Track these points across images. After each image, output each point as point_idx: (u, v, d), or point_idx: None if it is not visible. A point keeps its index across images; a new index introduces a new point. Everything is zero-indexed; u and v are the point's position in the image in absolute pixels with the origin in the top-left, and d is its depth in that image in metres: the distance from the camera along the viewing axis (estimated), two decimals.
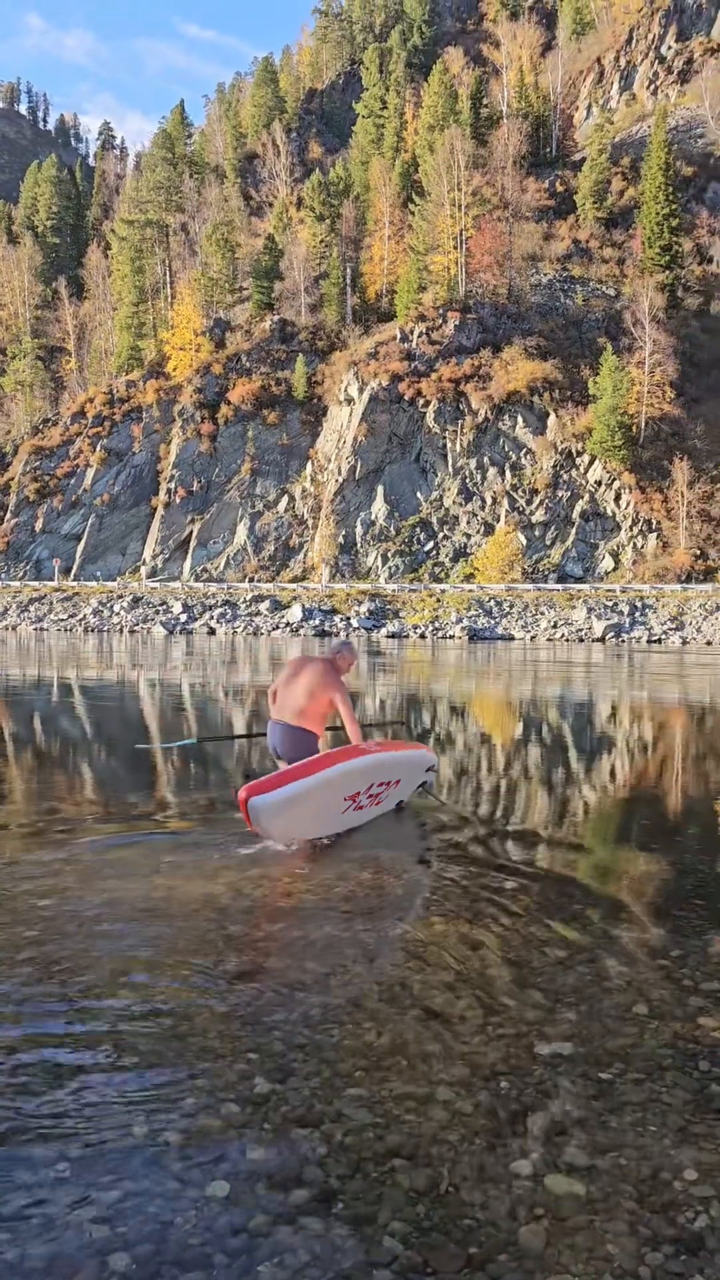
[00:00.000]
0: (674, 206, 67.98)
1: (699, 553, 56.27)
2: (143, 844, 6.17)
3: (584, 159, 79.46)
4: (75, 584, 64.26)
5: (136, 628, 49.21)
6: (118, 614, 53.43)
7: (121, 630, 49.05)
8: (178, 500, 71.05)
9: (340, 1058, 3.32)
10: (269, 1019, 3.60)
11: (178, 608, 53.95)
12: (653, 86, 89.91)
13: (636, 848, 6.30)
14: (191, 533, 70.57)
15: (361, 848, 6.11)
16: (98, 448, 74.36)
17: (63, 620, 52.87)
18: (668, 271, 67.18)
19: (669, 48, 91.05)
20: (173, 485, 71.31)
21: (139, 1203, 2.54)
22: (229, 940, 4.42)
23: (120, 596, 58.15)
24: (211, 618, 50.89)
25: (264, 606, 53.27)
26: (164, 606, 54.98)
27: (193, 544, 70.18)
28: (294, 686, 6.14)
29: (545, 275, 72.61)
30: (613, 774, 9.63)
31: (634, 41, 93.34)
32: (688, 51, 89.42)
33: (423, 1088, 3.13)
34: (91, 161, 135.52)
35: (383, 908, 4.92)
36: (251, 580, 65.13)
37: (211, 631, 48.17)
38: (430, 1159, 2.74)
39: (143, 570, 70.31)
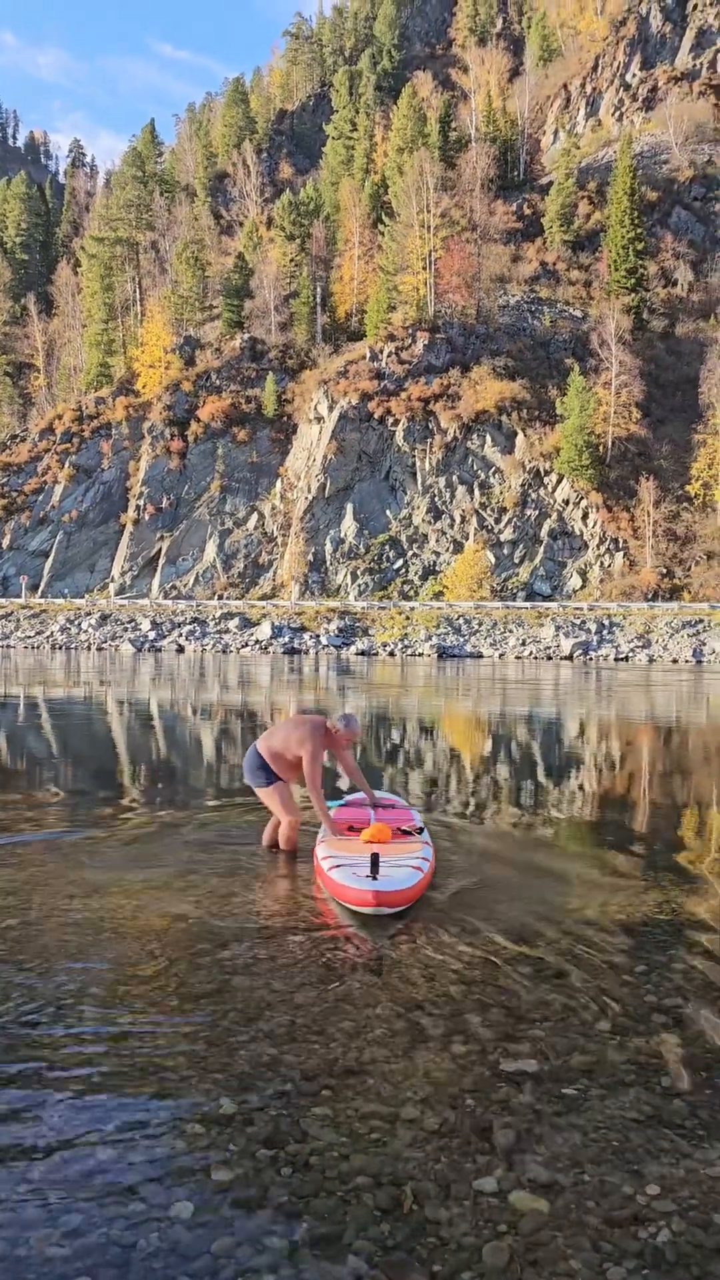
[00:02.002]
0: (639, 231, 69.01)
1: (665, 571, 56.85)
2: (105, 864, 6.13)
3: (551, 183, 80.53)
4: (43, 601, 63.75)
5: (104, 645, 48.90)
6: (85, 631, 53.07)
7: (89, 648, 48.71)
8: (147, 517, 70.83)
9: (305, 1077, 3.32)
10: (234, 1039, 3.60)
11: (146, 625, 53.67)
12: (618, 113, 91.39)
13: (600, 865, 6.34)
14: (160, 550, 70.34)
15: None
16: (66, 464, 74.01)
17: (30, 638, 52.42)
18: (633, 294, 68.13)
19: (634, 75, 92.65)
20: (142, 502, 71.10)
21: (102, 1226, 2.53)
22: (194, 960, 4.41)
23: (88, 614, 57.77)
24: (180, 635, 50.67)
25: (233, 624, 53.13)
26: (132, 624, 54.67)
27: (161, 561, 69.94)
28: (281, 729, 6.45)
29: (513, 296, 73.39)
30: (577, 791, 9.69)
31: (600, 69, 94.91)
32: (652, 79, 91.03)
33: (388, 1106, 3.13)
34: (61, 179, 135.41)
35: (347, 927, 4.93)
36: (220, 598, 64.97)
37: (180, 649, 47.96)
38: (395, 1177, 2.75)
39: (111, 587, 69.93)
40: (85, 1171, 2.76)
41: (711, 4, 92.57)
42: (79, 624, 54.81)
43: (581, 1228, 2.54)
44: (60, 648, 49.30)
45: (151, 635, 50.85)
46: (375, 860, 5.09)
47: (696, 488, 58.69)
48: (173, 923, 4.92)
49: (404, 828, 6.22)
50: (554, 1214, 2.59)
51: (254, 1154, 2.85)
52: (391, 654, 45.39)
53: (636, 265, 68.83)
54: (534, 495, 61.85)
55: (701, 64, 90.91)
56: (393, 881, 5.06)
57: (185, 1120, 3.04)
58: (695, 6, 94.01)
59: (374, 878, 5.04)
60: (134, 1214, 2.58)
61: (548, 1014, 3.88)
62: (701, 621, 48.29)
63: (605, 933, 4.86)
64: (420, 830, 6.23)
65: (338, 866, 5.33)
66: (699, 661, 41.33)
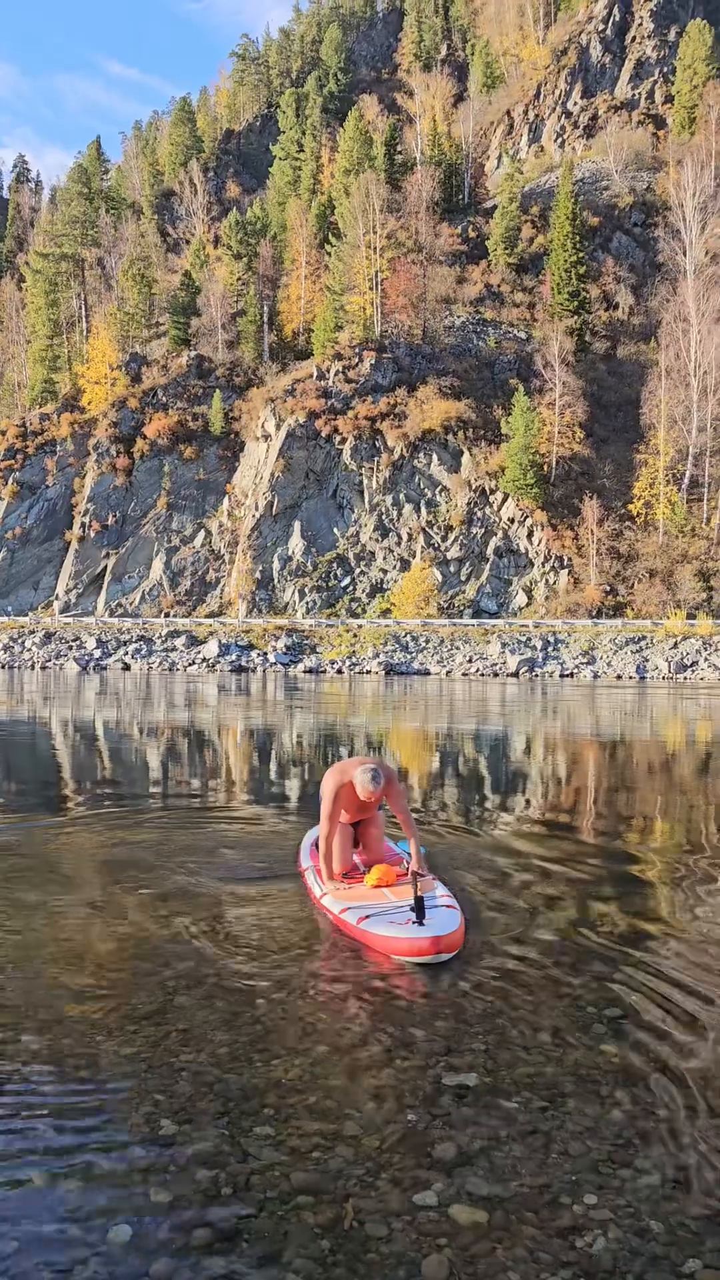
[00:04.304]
0: (581, 255, 70.30)
1: (609, 589, 57.68)
2: (41, 885, 6.05)
3: (495, 206, 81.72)
4: None
5: (49, 664, 48.25)
6: (29, 650, 52.34)
7: (33, 666, 48.04)
8: (92, 534, 70.19)
9: (247, 1096, 3.30)
10: (176, 1060, 3.57)
11: (91, 643, 53.10)
12: (560, 139, 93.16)
13: (543, 879, 6.40)
14: (106, 567, 69.71)
15: (270, 885, 6.09)
16: (9, 481, 73.10)
17: None
18: (576, 317, 69.29)
19: (575, 104, 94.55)
20: (87, 519, 70.46)
21: (37, 1251, 2.49)
22: (136, 980, 4.37)
23: (32, 632, 56.99)
24: (126, 653, 50.21)
25: (180, 642, 52.79)
26: (77, 642, 54.06)
27: (107, 578, 69.31)
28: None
29: (458, 317, 74.24)
30: (521, 804, 9.77)
31: (542, 96, 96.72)
32: (593, 108, 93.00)
33: (330, 1123, 3.13)
34: (5, 194, 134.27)
35: (292, 945, 4.92)
36: (167, 615, 64.52)
37: (126, 667, 47.50)
38: (336, 1194, 2.74)
39: (56, 605, 69.09)
40: (20, 1196, 2.72)
41: (649, 37, 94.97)
42: (22, 642, 54.05)
43: (520, 1238, 2.56)
44: (3, 666, 48.56)
45: (97, 654, 50.32)
46: (420, 904, 4.78)
47: (638, 507, 59.70)
48: (113, 943, 4.87)
49: (399, 868, 5.75)
50: (493, 1225, 2.61)
51: (194, 1175, 2.83)
52: (339, 671, 45.41)
53: (579, 289, 70.07)
54: (480, 513, 62.43)
55: (640, 94, 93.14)
56: (443, 924, 4.77)
57: (124, 1142, 3.02)
58: (634, 39, 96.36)
59: (421, 923, 4.74)
60: (70, 1239, 2.55)
61: (490, 1027, 3.91)
62: (644, 638, 49.05)
63: (546, 946, 4.91)
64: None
65: (368, 918, 4.97)
66: (642, 678, 41.95)
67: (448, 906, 4.98)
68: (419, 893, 4.87)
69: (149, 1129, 3.09)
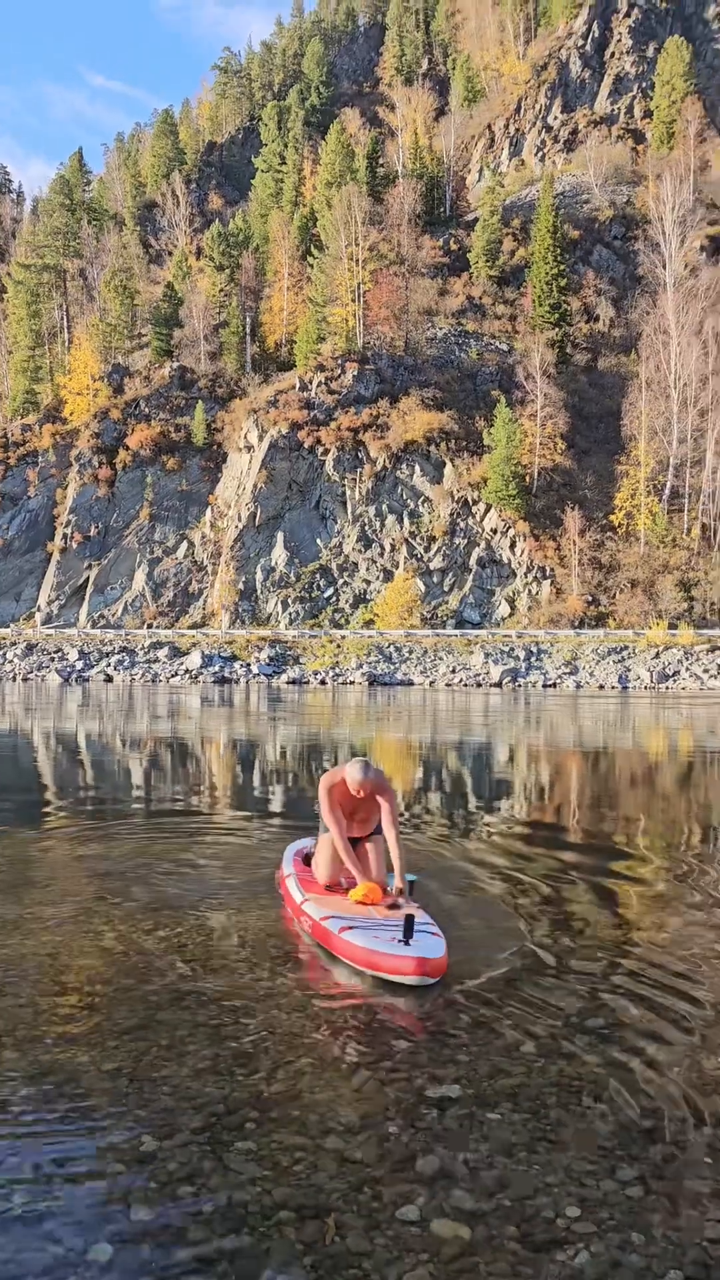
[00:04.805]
0: (562, 268, 70.84)
1: (591, 599, 57.94)
2: (25, 898, 6.01)
3: (476, 219, 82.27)
4: None
5: (30, 675, 48.00)
6: (11, 661, 52.06)
7: (15, 678, 47.78)
8: (74, 545, 69.96)
9: (229, 1111, 3.28)
10: (157, 1075, 3.54)
11: (74, 655, 52.90)
12: (540, 153, 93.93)
13: (522, 888, 6.40)
14: (88, 578, 69.49)
15: (252, 898, 6.07)
16: None
17: None
18: (557, 329, 69.77)
19: (555, 118, 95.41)
20: (69, 530, 70.22)
21: (16, 1272, 2.47)
22: (117, 994, 4.34)
23: (14, 643, 56.72)
24: (109, 665, 50.02)
25: (162, 653, 52.65)
26: (59, 653, 53.82)
27: (89, 590, 69.07)
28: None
29: (440, 329, 74.59)
30: (503, 816, 9.78)
31: (522, 111, 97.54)
32: (573, 122, 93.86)
33: (312, 1138, 3.12)
34: None
35: (274, 958, 4.90)
36: (150, 627, 64.34)
37: (108, 679, 47.31)
38: (318, 1210, 2.73)
39: (37, 616, 68.78)
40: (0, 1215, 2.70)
41: (628, 53, 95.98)
42: (4, 654, 53.77)
43: (502, 1252, 2.55)
44: None
45: (79, 665, 50.09)
46: (410, 923, 4.61)
47: (620, 517, 60.06)
48: (93, 957, 4.84)
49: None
50: (475, 1240, 2.60)
51: (175, 1192, 2.81)
52: (323, 682, 45.38)
53: (560, 301, 70.58)
54: (462, 524, 62.64)
55: (619, 109, 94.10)
56: (429, 948, 4.58)
57: (105, 1159, 2.99)
58: (613, 55, 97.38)
59: (407, 943, 4.57)
60: (51, 1258, 2.52)
61: (473, 1039, 3.91)
62: (626, 648, 49.27)
63: (528, 957, 4.90)
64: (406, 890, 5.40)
65: (352, 929, 4.82)
66: (624, 687, 42.10)
67: (433, 934, 4.79)
68: (409, 912, 4.78)
69: (130, 1146, 3.06)
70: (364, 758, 5.53)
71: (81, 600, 69.05)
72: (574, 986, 4.50)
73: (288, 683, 45.19)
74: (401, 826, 8.49)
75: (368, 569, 63.37)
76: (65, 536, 70.18)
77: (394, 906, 5.09)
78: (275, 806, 10.25)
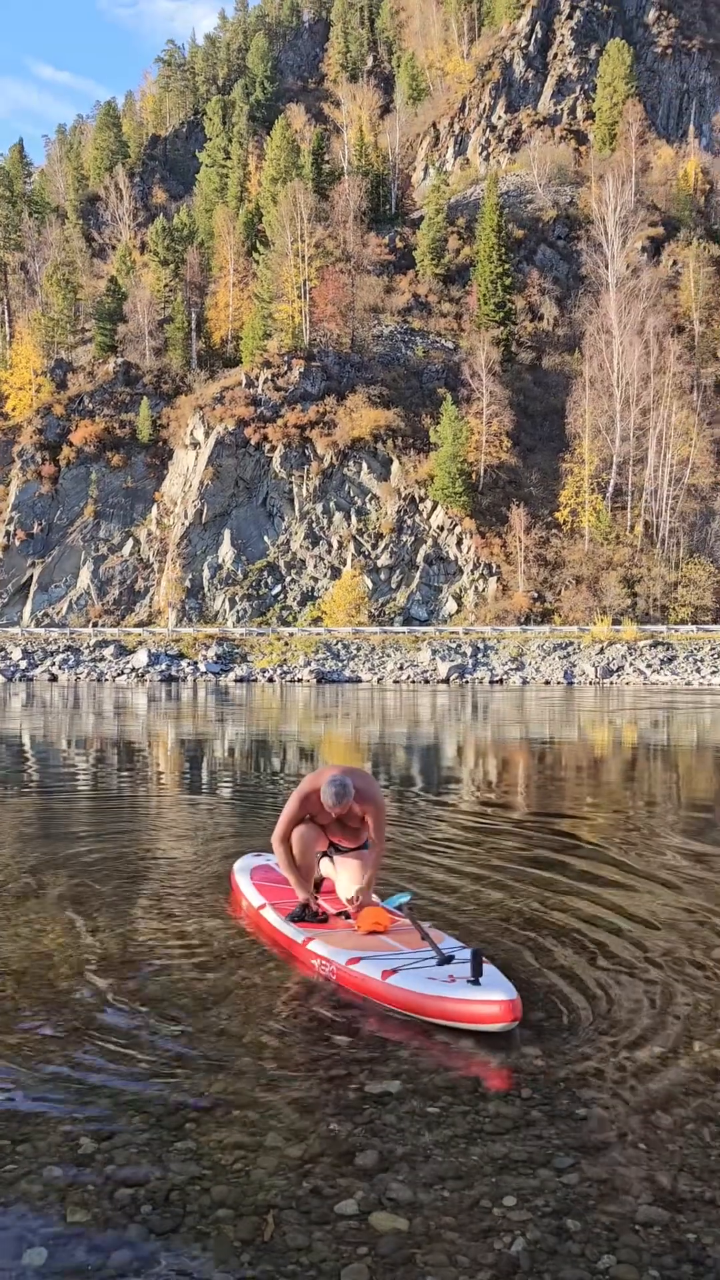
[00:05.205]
0: (506, 267, 71.37)
1: (536, 595, 58.52)
2: None
3: (422, 218, 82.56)
4: None
5: None
6: None
7: None
8: (17, 543, 68.89)
9: (169, 1111, 3.27)
10: (96, 1077, 3.52)
11: (17, 654, 52.14)
12: (485, 153, 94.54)
13: (471, 881, 6.45)
14: (32, 576, 68.49)
15: (195, 898, 6.05)
16: None
17: None
18: (502, 327, 70.29)
19: (499, 118, 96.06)
20: (11, 528, 69.14)
21: None
22: (56, 996, 4.29)
23: None
24: (53, 664, 49.39)
25: (108, 651, 52.12)
26: (2, 653, 53.00)
27: (33, 588, 68.08)
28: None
29: (387, 327, 74.75)
30: (450, 807, 9.84)
31: (467, 110, 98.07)
32: (516, 122, 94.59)
33: (252, 1135, 3.12)
34: None
35: (214, 958, 4.88)
36: (95, 625, 63.64)
37: (53, 678, 46.72)
38: (256, 1207, 2.73)
39: None
40: None
41: (570, 54, 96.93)
42: None
43: (439, 1242, 2.58)
44: None
45: (23, 664, 49.40)
46: (478, 959, 4.00)
47: (565, 514, 60.75)
48: (31, 959, 4.78)
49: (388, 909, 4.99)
50: (413, 1231, 2.62)
51: (113, 1193, 2.80)
52: (271, 680, 45.27)
53: (504, 300, 71.12)
54: (409, 521, 62.86)
55: (562, 110, 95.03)
56: (504, 984, 3.96)
57: (42, 1163, 2.96)
58: (555, 56, 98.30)
59: (478, 981, 3.95)
60: None
61: (415, 1034, 3.93)
62: (572, 644, 49.86)
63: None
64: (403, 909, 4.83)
65: (396, 971, 4.20)
66: (570, 683, 42.61)
67: (486, 963, 4.13)
68: (436, 941, 4.34)
69: (67, 1148, 3.04)
70: (341, 776, 4.85)
71: (25, 599, 68.06)
72: (514, 979, 4.54)
73: (235, 681, 45.00)
74: None
75: (315, 566, 63.32)
76: (8, 534, 69.09)
77: (417, 928, 4.53)
78: (220, 806, 10.20)
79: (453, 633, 54.46)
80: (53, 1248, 2.55)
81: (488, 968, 4.09)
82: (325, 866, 5.30)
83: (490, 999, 3.84)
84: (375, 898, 5.17)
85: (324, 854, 5.22)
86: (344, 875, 5.12)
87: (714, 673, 42.54)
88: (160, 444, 71.40)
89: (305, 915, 5.00)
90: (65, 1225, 2.65)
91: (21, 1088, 3.44)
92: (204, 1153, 3.01)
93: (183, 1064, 3.63)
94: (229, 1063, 3.64)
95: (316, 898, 5.15)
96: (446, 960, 4.18)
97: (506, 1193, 2.81)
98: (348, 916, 5.01)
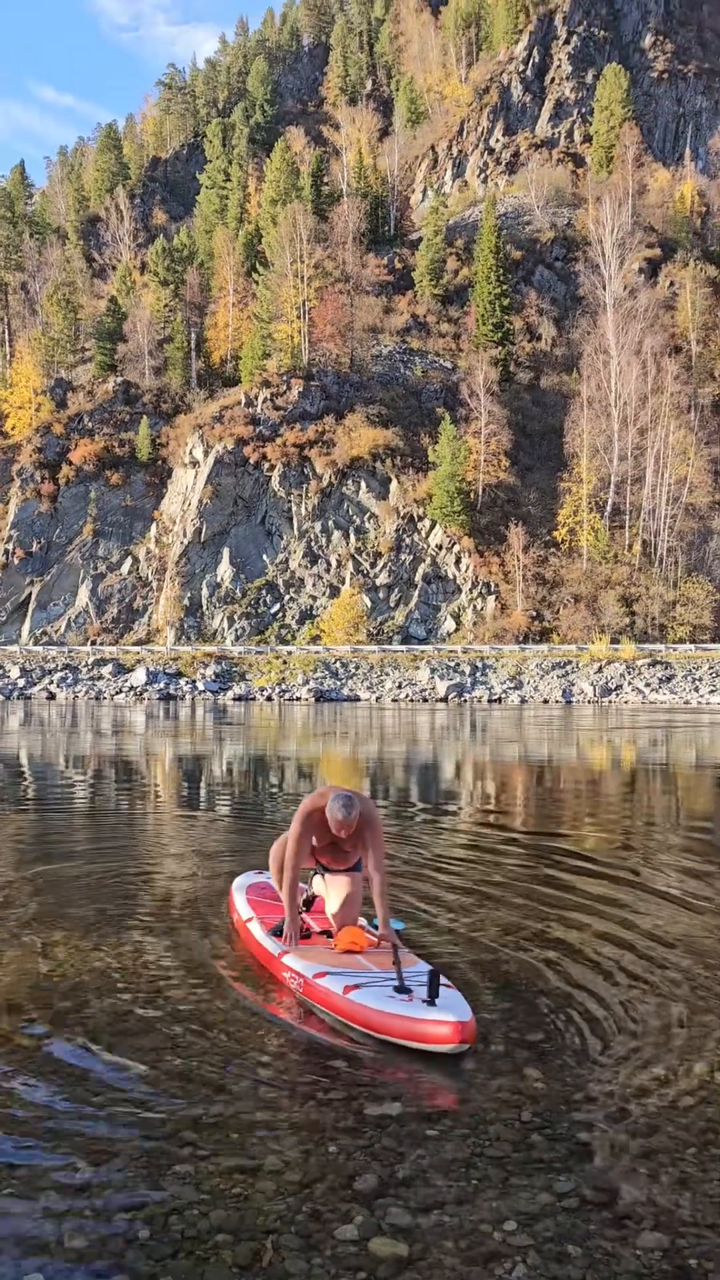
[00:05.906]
0: (504, 287, 71.79)
1: (534, 614, 58.55)
2: None
3: (420, 239, 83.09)
4: None
5: None
6: None
7: None
8: (16, 561, 68.94)
9: (167, 1135, 3.25)
10: (93, 1101, 3.49)
11: (15, 672, 52.09)
12: (483, 175, 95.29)
13: (464, 903, 6.43)
14: (31, 594, 68.49)
15: (193, 919, 6.03)
16: None
17: None
18: (500, 347, 70.64)
19: (497, 140, 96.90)
20: (11, 546, 69.20)
21: None
22: (54, 1018, 4.27)
23: None
24: (51, 682, 49.34)
25: (107, 670, 52.08)
26: (0, 671, 52.95)
27: (32, 606, 68.08)
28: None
29: (385, 346, 75.10)
30: (449, 828, 9.82)
31: (465, 133, 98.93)
32: (514, 145, 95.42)
33: (251, 1159, 3.10)
34: None
35: (212, 980, 4.86)
36: (94, 643, 63.60)
37: (51, 696, 46.66)
38: (255, 1231, 2.71)
39: None
40: None
41: (568, 78, 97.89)
42: None
43: (439, 1268, 2.55)
44: None
45: (21, 683, 49.34)
46: (435, 979, 4.04)
47: (563, 534, 60.86)
48: (29, 980, 4.76)
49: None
50: (413, 1257, 2.60)
51: (111, 1218, 2.77)
52: (269, 698, 45.22)
53: (502, 320, 71.49)
54: (408, 540, 62.97)
55: (559, 133, 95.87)
56: (457, 1006, 3.99)
57: (39, 1189, 2.94)
58: (553, 80, 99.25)
59: (433, 1002, 3.98)
60: None
61: (414, 1056, 3.91)
62: (570, 663, 49.86)
63: (466, 970, 4.92)
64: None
65: (357, 987, 4.25)
66: (568, 701, 42.57)
67: (445, 986, 4.20)
68: (404, 965, 4.35)
69: (64, 1172, 3.01)
70: (347, 793, 4.85)
71: (23, 617, 68.04)
72: (513, 1001, 4.52)
73: (234, 699, 44.95)
74: None
75: (314, 585, 63.37)
76: (6, 552, 69.14)
77: (391, 950, 4.53)
78: (219, 825, 10.17)
79: (451, 651, 54.46)
80: (50, 1273, 2.53)
81: (446, 990, 4.13)
82: (317, 885, 5.35)
83: (443, 1019, 3.86)
84: (362, 920, 5.20)
85: (315, 872, 5.29)
86: (333, 894, 5.14)
87: (712, 691, 42.53)
88: (159, 463, 71.59)
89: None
90: (63, 1249, 2.63)
91: (17, 1108, 3.42)
92: (202, 1177, 2.99)
93: (180, 1086, 3.61)
94: (227, 1085, 3.62)
95: (301, 914, 5.17)
96: (405, 991, 4.15)
97: (507, 1217, 2.79)
98: (330, 935, 5.07)
